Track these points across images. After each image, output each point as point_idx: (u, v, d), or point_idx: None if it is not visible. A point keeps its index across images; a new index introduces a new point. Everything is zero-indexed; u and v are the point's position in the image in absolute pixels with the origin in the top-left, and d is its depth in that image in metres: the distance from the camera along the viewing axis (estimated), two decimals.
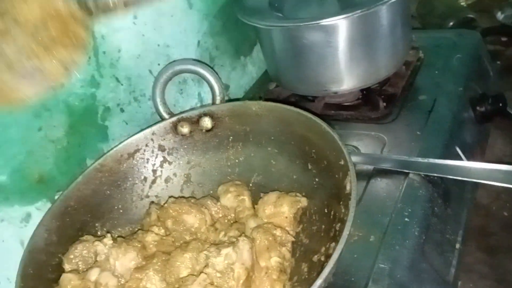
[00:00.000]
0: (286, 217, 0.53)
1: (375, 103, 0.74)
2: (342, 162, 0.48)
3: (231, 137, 0.63)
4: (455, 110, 0.71)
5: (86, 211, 0.56)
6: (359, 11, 0.62)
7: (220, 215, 0.58)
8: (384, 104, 0.73)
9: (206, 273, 0.46)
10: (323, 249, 0.47)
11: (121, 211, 0.59)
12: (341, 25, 0.64)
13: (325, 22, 0.64)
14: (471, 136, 0.74)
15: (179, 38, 0.74)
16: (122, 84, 0.65)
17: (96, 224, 0.57)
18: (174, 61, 0.64)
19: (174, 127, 0.63)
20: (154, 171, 0.63)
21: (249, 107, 0.60)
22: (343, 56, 0.68)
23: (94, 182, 0.57)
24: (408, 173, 0.58)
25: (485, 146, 0.82)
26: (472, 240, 0.66)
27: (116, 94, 0.64)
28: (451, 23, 1.04)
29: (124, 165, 0.60)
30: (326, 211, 0.51)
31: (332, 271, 0.38)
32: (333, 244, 0.45)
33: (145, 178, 0.62)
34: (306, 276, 0.48)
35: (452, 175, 0.55)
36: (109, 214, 0.58)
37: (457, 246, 0.55)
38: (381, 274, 0.48)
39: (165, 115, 0.65)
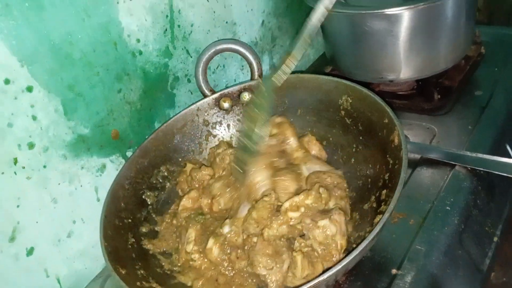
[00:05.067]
0: None
1: (429, 94, 0.75)
2: (386, 120, 0.52)
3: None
4: (510, 108, 0.71)
5: (144, 182, 0.61)
6: (424, 3, 0.64)
7: None
8: (439, 96, 0.75)
9: (308, 244, 0.50)
10: (372, 198, 0.53)
11: (173, 182, 0.65)
12: (404, 16, 0.66)
13: (389, 11, 0.66)
14: None
15: (246, 17, 0.78)
16: (191, 57, 0.70)
17: (150, 193, 0.61)
18: (215, 41, 0.68)
19: (217, 103, 0.68)
20: (200, 144, 0.68)
21: (287, 80, 0.64)
22: (403, 46, 0.69)
23: (150, 155, 0.62)
24: (455, 165, 0.61)
25: None
26: None
27: (185, 65, 0.70)
28: None
29: (174, 140, 0.65)
30: (370, 165, 0.56)
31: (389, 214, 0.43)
32: (384, 191, 0.50)
33: (193, 151, 0.67)
34: (360, 222, 0.53)
35: (498, 171, 0.56)
36: (164, 184, 0.64)
37: (495, 239, 0.57)
38: (417, 254, 0.51)
39: (207, 92, 0.68)
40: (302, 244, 0.50)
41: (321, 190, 0.54)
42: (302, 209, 0.52)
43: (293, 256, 0.49)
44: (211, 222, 0.57)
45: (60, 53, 0.53)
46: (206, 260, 0.53)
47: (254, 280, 0.51)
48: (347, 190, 0.58)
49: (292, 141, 0.62)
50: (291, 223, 0.52)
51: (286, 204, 0.53)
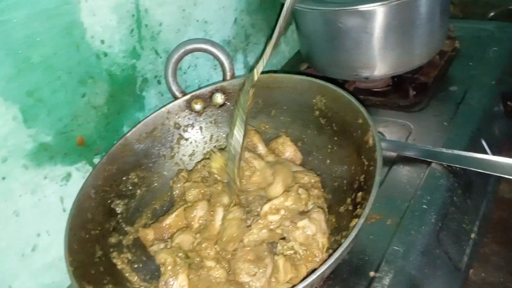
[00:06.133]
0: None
1: (405, 91, 0.75)
2: (360, 121, 0.51)
3: None
4: (485, 103, 0.71)
5: (112, 190, 0.58)
6: None
7: None
8: (414, 92, 0.74)
9: (290, 247, 0.48)
10: (348, 200, 0.51)
11: (144, 188, 0.62)
12: (378, 12, 0.65)
13: (362, 8, 0.64)
14: (500, 131, 0.73)
15: (218, 14, 0.76)
16: (160, 57, 0.68)
17: (119, 202, 0.58)
18: (185, 41, 0.65)
19: (188, 105, 0.65)
20: (171, 148, 0.65)
21: (261, 79, 0.62)
22: (377, 43, 0.68)
23: (118, 161, 0.59)
24: (431, 162, 0.60)
25: None
26: (490, 232, 0.67)
27: (155, 66, 0.67)
28: (492, 14, 1.01)
29: (143, 144, 0.62)
30: (345, 167, 0.54)
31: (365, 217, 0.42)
32: (360, 193, 0.49)
33: (164, 156, 0.64)
34: (336, 226, 0.52)
35: (475, 167, 0.56)
36: (134, 191, 0.61)
37: (473, 236, 0.57)
38: (395, 256, 0.50)
39: (178, 94, 0.66)
40: (285, 247, 0.48)
41: (300, 190, 0.52)
42: (282, 212, 0.51)
43: (275, 260, 0.48)
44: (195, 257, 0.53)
45: (18, 57, 0.50)
46: None
47: None
48: (323, 190, 0.57)
49: (260, 148, 0.61)
50: (271, 227, 0.51)
51: (266, 208, 0.51)
